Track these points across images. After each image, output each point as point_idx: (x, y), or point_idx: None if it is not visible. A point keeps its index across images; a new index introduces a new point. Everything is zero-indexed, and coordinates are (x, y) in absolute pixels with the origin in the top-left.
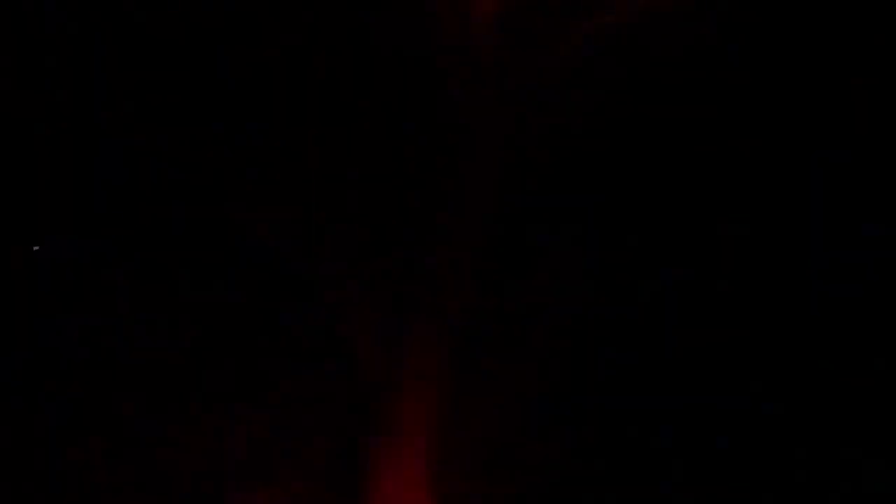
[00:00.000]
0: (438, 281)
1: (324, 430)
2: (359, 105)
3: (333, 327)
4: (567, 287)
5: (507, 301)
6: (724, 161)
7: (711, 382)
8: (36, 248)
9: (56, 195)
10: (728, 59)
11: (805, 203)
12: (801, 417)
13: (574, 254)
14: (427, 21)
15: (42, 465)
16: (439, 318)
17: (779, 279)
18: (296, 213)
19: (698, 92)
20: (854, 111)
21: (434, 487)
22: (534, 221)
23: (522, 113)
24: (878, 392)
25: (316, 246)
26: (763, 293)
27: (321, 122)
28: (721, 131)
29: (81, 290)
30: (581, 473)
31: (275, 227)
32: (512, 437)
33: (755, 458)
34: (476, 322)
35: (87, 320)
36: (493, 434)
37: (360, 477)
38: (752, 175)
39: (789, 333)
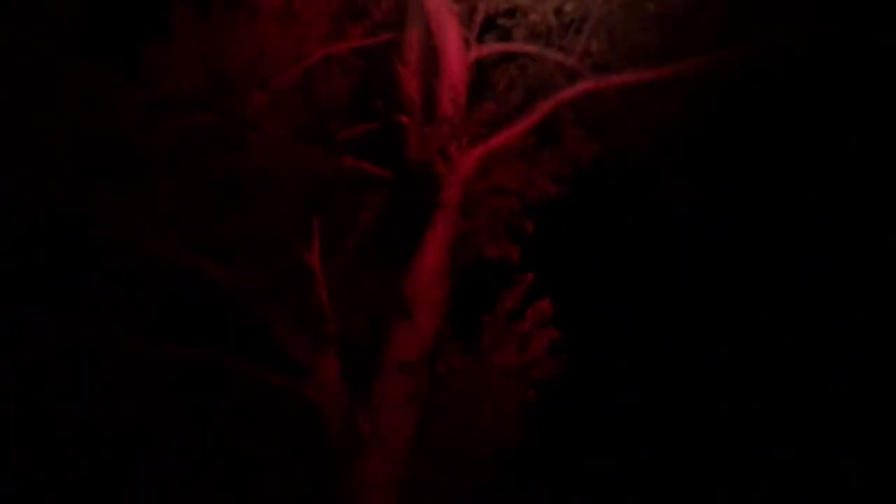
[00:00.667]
0: (404, 342)
1: (287, 490)
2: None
3: (299, 388)
4: (528, 352)
5: (472, 363)
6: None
7: (678, 446)
8: None
9: None
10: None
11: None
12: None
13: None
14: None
15: None
16: (406, 378)
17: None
18: (264, 273)
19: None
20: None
21: None
22: (493, 282)
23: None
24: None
25: (284, 304)
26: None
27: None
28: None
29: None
30: None
31: (242, 286)
32: (478, 497)
33: None
34: (440, 384)
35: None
36: (460, 494)
37: None
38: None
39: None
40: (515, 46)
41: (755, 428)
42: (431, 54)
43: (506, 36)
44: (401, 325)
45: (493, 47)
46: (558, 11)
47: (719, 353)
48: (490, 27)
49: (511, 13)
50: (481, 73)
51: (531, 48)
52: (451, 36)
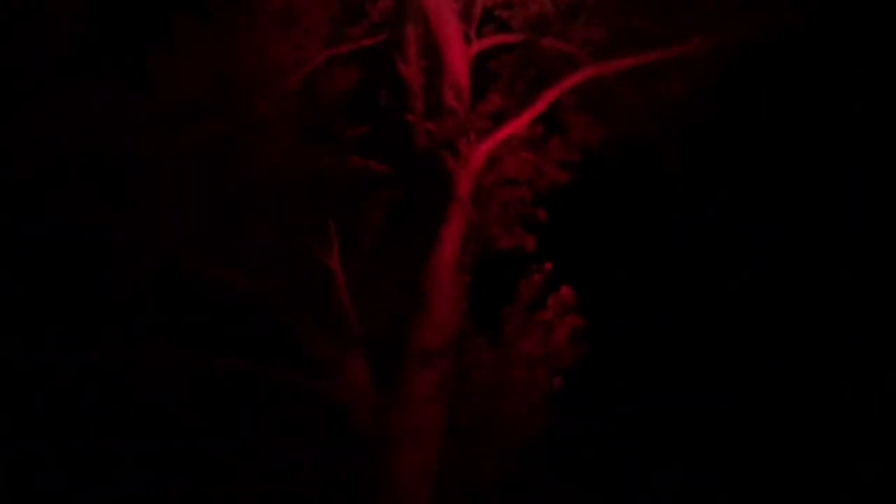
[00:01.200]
0: (425, 335)
1: (319, 488)
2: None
3: (326, 388)
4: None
5: (496, 355)
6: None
7: (705, 436)
8: None
9: None
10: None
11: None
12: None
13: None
14: None
15: None
16: (430, 371)
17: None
18: (283, 277)
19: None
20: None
21: None
22: (513, 274)
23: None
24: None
25: (306, 307)
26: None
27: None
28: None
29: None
30: None
31: (262, 291)
32: (508, 489)
33: None
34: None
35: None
36: (489, 486)
37: None
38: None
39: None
40: (515, 37)
41: (777, 411)
42: (432, 51)
43: (504, 27)
44: (421, 319)
45: (493, 40)
46: (556, 0)
47: (742, 333)
48: (488, 19)
49: (508, 4)
50: (482, 65)
51: (531, 38)
52: (450, 31)
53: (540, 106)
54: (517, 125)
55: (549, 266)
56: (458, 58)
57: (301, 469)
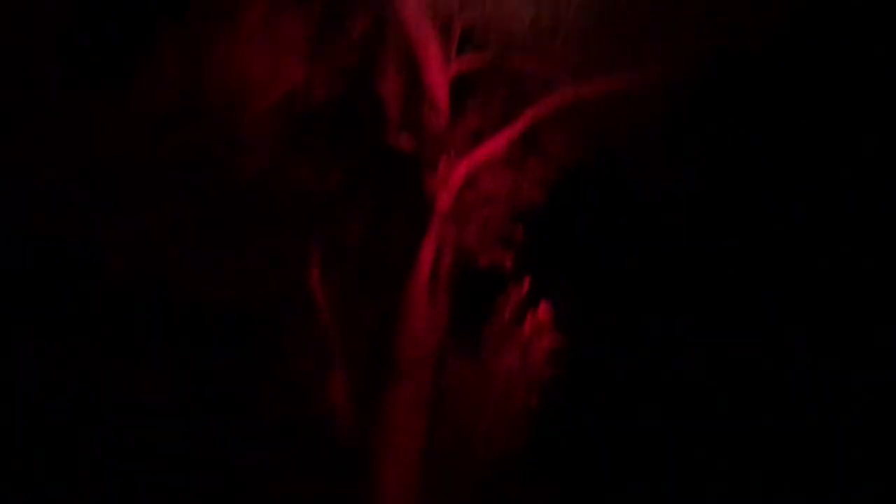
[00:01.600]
0: (405, 351)
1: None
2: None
3: (309, 407)
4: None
5: (475, 371)
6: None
7: (689, 438)
8: None
9: None
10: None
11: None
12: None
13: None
14: None
15: None
16: (409, 386)
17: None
18: (263, 294)
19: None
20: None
21: None
22: (494, 291)
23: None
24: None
25: (286, 324)
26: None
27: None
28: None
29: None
30: None
31: (242, 307)
32: (491, 494)
33: None
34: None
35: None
36: (470, 498)
37: None
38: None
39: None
40: (494, 58)
41: (759, 428)
42: (411, 68)
43: (484, 47)
44: (400, 333)
45: (472, 60)
46: (534, 22)
47: (715, 347)
48: (468, 40)
49: (487, 25)
50: (462, 83)
51: (510, 58)
52: (430, 51)
53: (518, 127)
54: (496, 145)
55: (526, 283)
56: (438, 77)
57: (285, 484)
